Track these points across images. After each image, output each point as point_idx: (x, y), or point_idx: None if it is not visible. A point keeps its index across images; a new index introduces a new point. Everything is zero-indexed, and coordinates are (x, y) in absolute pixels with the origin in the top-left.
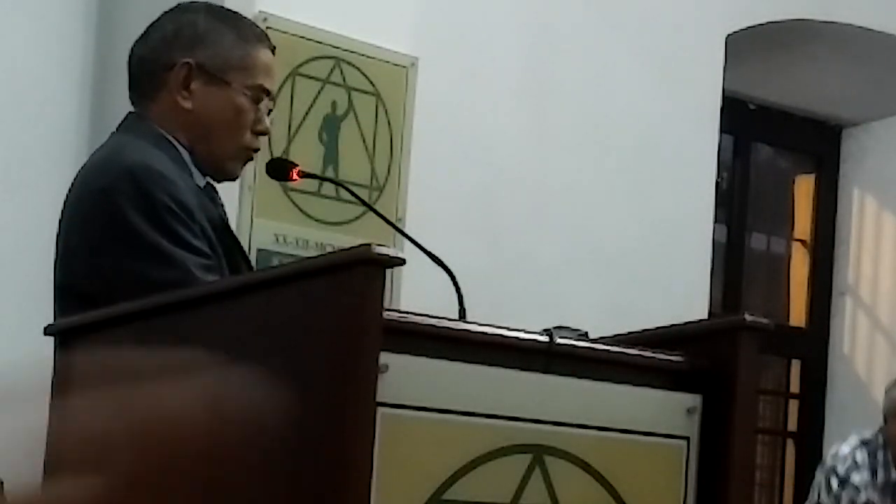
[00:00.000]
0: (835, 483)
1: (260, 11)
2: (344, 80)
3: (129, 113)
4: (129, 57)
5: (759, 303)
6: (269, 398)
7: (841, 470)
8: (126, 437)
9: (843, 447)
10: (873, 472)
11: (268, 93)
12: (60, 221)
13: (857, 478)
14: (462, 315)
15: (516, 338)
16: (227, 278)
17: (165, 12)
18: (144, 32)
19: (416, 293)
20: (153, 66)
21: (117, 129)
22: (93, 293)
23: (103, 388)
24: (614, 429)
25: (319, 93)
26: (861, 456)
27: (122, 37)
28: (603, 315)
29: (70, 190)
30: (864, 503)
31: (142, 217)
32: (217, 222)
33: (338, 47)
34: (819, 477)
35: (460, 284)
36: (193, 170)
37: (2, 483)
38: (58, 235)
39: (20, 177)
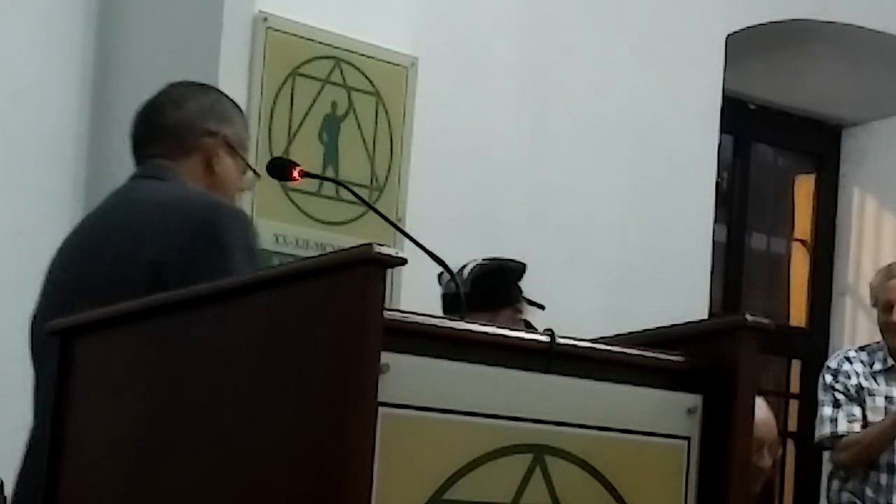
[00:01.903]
0: (828, 378)
1: (260, 11)
2: (344, 80)
3: (152, 162)
4: (156, 118)
5: (759, 303)
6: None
7: (833, 364)
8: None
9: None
10: (870, 364)
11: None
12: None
13: (847, 366)
14: (463, 315)
15: (517, 338)
16: (227, 279)
17: (184, 87)
18: (171, 100)
19: (416, 293)
20: (190, 131)
21: (150, 176)
22: None
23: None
24: (615, 429)
25: (319, 93)
26: (854, 353)
27: (122, 37)
28: (603, 315)
29: (114, 222)
30: (855, 385)
31: (239, 246)
32: None
33: (338, 47)
34: (819, 384)
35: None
36: None
37: (2, 483)
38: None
39: (20, 177)
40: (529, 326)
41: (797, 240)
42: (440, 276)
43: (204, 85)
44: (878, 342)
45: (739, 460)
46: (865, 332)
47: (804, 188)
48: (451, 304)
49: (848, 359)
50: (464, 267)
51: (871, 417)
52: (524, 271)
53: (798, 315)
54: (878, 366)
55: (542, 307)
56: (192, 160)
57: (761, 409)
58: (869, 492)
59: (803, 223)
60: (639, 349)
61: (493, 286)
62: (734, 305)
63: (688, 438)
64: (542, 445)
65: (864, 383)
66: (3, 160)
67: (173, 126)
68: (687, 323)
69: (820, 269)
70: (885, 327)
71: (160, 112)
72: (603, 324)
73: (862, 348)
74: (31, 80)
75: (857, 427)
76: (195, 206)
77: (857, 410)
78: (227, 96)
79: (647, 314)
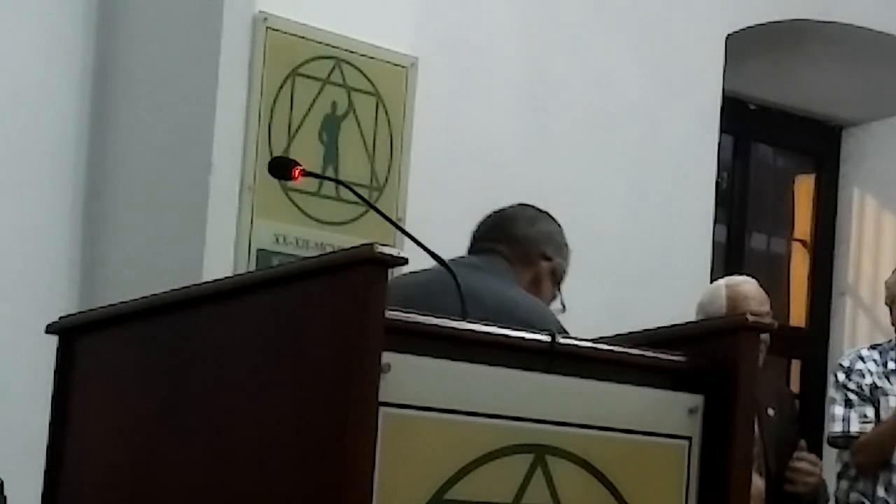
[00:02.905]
0: (841, 376)
1: (260, 11)
2: (344, 80)
3: (496, 259)
4: (508, 226)
5: None
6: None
7: (846, 362)
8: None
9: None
10: (884, 364)
11: None
12: None
13: (861, 365)
14: (464, 315)
15: (519, 337)
16: (227, 278)
17: (536, 210)
18: (525, 217)
19: None
20: (533, 248)
21: (494, 272)
22: None
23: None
24: (616, 429)
25: (319, 93)
26: (867, 352)
27: (122, 37)
28: (603, 315)
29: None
30: (869, 384)
31: None
32: None
33: (338, 47)
34: (830, 383)
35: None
36: None
37: (2, 483)
38: None
39: (20, 177)
40: None
41: (797, 240)
42: None
43: (550, 215)
44: (889, 341)
45: (740, 460)
46: (865, 332)
47: (804, 188)
48: None
49: (861, 357)
50: None
51: (884, 418)
52: None
53: (798, 315)
54: (891, 365)
55: None
56: (524, 273)
57: (751, 283)
58: (880, 491)
59: (803, 223)
60: (640, 349)
61: None
62: None
63: (689, 438)
64: (544, 445)
65: (879, 382)
66: (4, 160)
67: (521, 238)
68: (687, 323)
69: (820, 269)
70: None
71: (513, 222)
72: (603, 324)
73: (873, 347)
74: (31, 80)
75: (870, 428)
76: (546, 317)
77: (870, 411)
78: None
79: (647, 314)
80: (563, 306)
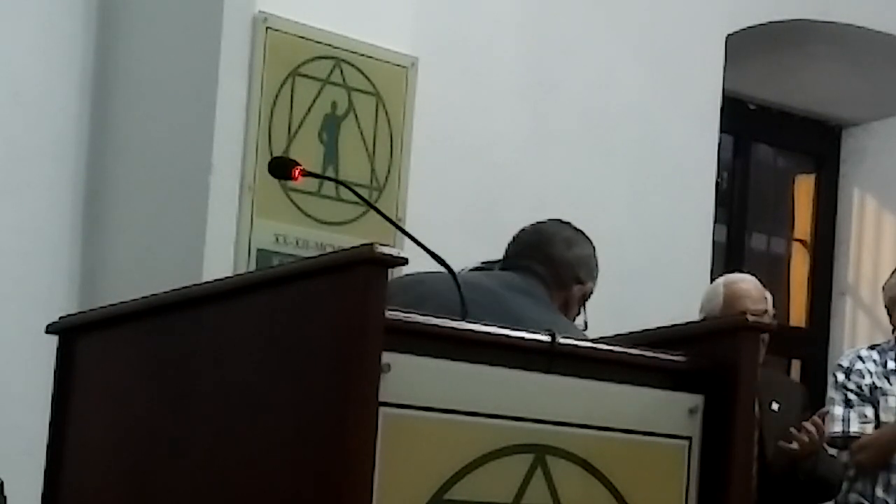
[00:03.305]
0: (840, 376)
1: (260, 11)
2: (344, 80)
3: (531, 282)
4: (546, 247)
5: None
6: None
7: (845, 362)
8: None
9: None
10: (883, 364)
11: None
12: None
13: (860, 365)
14: (464, 315)
15: (519, 338)
16: (227, 278)
17: (574, 231)
18: (563, 238)
19: None
20: (570, 272)
21: (530, 293)
22: None
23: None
24: (616, 429)
25: (319, 93)
26: (866, 352)
27: (122, 37)
28: (603, 315)
29: None
30: (868, 384)
31: None
32: None
33: (338, 47)
34: (829, 383)
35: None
36: None
37: (2, 483)
38: None
39: (20, 177)
40: None
41: (797, 240)
42: None
43: (585, 235)
44: (888, 341)
45: (741, 460)
46: (865, 332)
47: (804, 188)
48: None
49: (860, 357)
50: None
51: (884, 418)
52: None
53: (798, 315)
54: (891, 365)
55: None
56: (557, 295)
57: (748, 281)
58: (879, 492)
59: (803, 223)
60: (640, 349)
61: None
62: None
63: (689, 438)
64: (544, 445)
65: (878, 383)
66: (4, 160)
67: (557, 260)
68: (687, 323)
69: (820, 269)
70: None
71: (550, 244)
72: (603, 324)
73: (872, 347)
74: (31, 80)
75: (869, 429)
76: None
77: (869, 411)
78: (594, 249)
79: (647, 314)
80: (586, 325)
